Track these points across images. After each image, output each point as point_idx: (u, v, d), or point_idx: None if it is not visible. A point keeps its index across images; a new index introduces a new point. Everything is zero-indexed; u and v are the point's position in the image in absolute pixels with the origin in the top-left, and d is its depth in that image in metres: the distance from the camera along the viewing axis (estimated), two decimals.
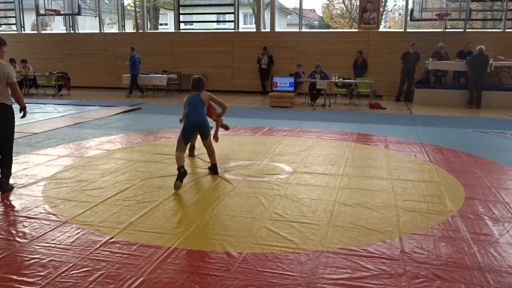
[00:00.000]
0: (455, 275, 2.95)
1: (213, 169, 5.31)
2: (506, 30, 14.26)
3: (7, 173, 4.58)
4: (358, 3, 15.90)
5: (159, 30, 23.28)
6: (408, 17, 14.59)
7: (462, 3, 13.42)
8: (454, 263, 3.11)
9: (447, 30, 14.71)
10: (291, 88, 12.41)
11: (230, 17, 16.76)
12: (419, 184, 4.97)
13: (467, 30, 14.56)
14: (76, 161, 5.81)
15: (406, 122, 9.50)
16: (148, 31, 18.31)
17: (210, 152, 5.33)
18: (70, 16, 17.39)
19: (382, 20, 28.41)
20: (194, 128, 5.17)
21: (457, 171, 5.53)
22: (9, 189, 4.54)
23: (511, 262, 3.14)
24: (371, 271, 2.98)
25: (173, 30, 17.46)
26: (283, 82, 12.53)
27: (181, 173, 4.71)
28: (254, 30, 16.42)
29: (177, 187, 4.61)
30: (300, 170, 5.51)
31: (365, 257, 3.18)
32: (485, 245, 3.42)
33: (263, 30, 16.27)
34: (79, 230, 3.57)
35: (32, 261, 3.04)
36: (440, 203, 4.35)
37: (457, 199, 4.49)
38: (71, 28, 17.97)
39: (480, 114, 11.09)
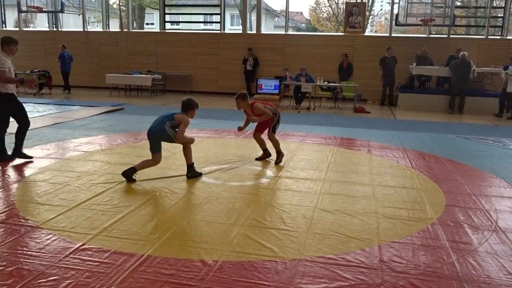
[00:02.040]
0: (433, 285, 2.91)
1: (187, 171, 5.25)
2: (489, 37, 14.43)
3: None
4: (344, 7, 15.95)
5: (144, 30, 23.10)
6: (394, 22, 14.69)
7: (447, 9, 13.57)
8: (432, 273, 3.07)
9: (431, 35, 14.84)
10: (276, 91, 12.36)
11: (217, 18, 16.67)
12: (400, 191, 4.94)
13: (451, 36, 14.71)
14: (52, 163, 5.66)
15: (390, 127, 9.52)
16: (133, 30, 18.12)
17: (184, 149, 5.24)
18: (53, 14, 17.11)
19: (369, 24, 28.63)
20: (148, 134, 5.11)
21: (439, 178, 5.53)
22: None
23: (489, 271, 3.11)
24: (349, 280, 2.92)
25: (158, 30, 17.30)
26: (268, 85, 12.48)
27: (126, 172, 4.98)
28: (240, 31, 16.35)
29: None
30: (281, 175, 5.44)
31: (343, 266, 3.12)
32: (464, 254, 3.39)
33: (249, 32, 16.21)
34: (49, 236, 3.45)
35: None
36: (421, 210, 4.32)
37: (438, 206, 4.47)
38: (54, 26, 17.69)
39: (463, 119, 11.18)
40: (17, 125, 5.75)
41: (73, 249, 3.23)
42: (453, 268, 3.14)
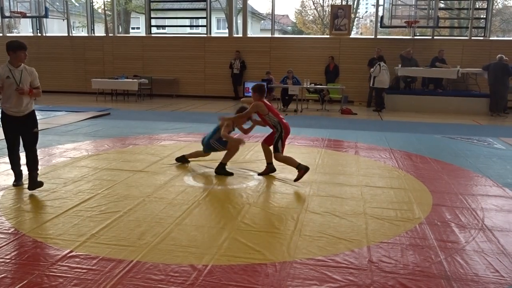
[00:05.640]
0: (422, 284, 2.94)
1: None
2: (472, 38, 14.64)
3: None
4: (329, 10, 16.05)
5: (130, 34, 23.00)
6: (379, 24, 14.82)
7: (430, 11, 13.72)
8: (421, 272, 3.10)
9: (416, 37, 15.00)
10: None
11: (203, 21, 16.64)
12: (388, 191, 4.98)
13: (435, 37, 14.88)
14: (38, 170, 5.56)
15: (377, 128, 9.59)
16: (119, 35, 18.02)
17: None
18: (37, 19, 16.93)
19: (354, 27, 28.81)
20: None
21: (425, 178, 5.58)
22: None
23: (477, 270, 3.15)
24: (339, 282, 2.93)
25: (144, 34, 17.23)
26: None
27: (218, 169, 5.54)
28: (227, 35, 16.36)
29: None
30: (270, 178, 5.44)
31: (333, 267, 3.13)
32: (452, 253, 3.42)
33: (235, 35, 16.22)
34: (36, 244, 3.40)
35: None
36: (408, 210, 4.36)
37: (425, 205, 4.51)
38: (38, 31, 17.50)
39: (448, 120, 11.29)
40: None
41: (60, 256, 3.19)
42: (441, 267, 3.17)
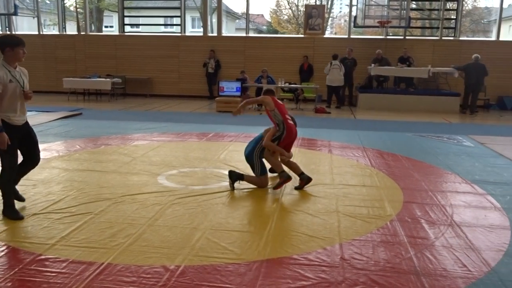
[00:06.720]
0: (392, 280, 2.99)
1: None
2: (443, 38, 14.97)
3: None
4: (304, 9, 16.15)
5: (103, 33, 22.65)
6: (352, 24, 15.00)
7: (402, 11, 13.97)
8: (391, 268, 3.15)
9: (388, 37, 15.24)
10: (238, 93, 12.36)
11: (177, 20, 16.51)
12: (360, 189, 5.05)
13: (406, 37, 15.16)
14: None
15: (350, 127, 9.70)
16: (91, 33, 17.70)
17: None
18: (6, 16, 16.49)
19: (328, 26, 29.08)
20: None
21: (397, 175, 5.68)
22: None
23: (445, 265, 3.22)
24: (311, 280, 2.96)
25: (117, 33, 16.99)
26: (230, 87, 12.47)
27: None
28: (201, 34, 16.27)
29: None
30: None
31: (305, 265, 3.16)
32: (422, 248, 3.50)
33: (210, 34, 16.15)
34: (4, 248, 3.31)
35: None
36: (380, 208, 4.42)
37: (396, 203, 4.59)
38: (7, 29, 17.04)
39: (419, 118, 11.52)
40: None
41: (28, 260, 3.12)
42: (411, 263, 3.24)
